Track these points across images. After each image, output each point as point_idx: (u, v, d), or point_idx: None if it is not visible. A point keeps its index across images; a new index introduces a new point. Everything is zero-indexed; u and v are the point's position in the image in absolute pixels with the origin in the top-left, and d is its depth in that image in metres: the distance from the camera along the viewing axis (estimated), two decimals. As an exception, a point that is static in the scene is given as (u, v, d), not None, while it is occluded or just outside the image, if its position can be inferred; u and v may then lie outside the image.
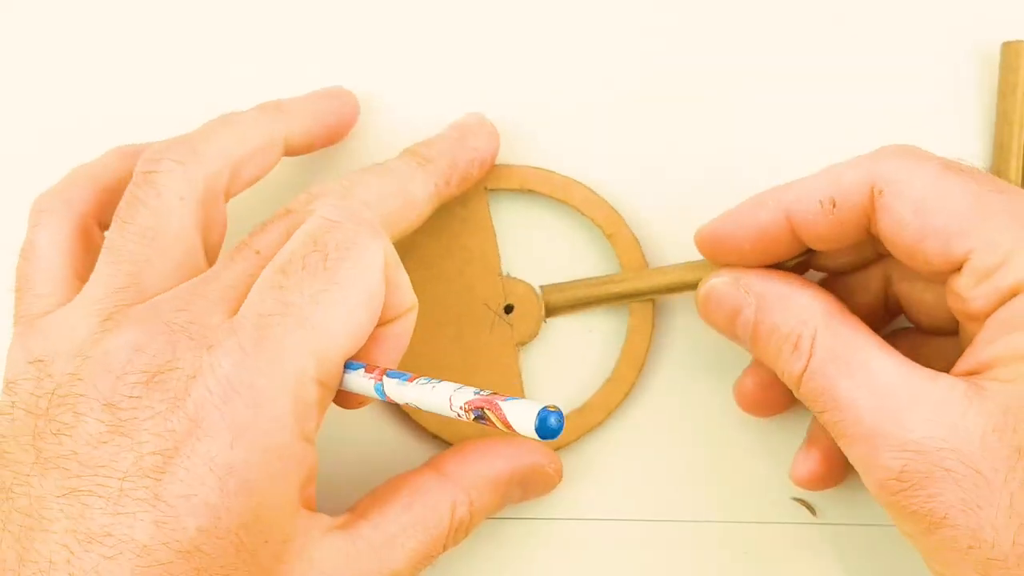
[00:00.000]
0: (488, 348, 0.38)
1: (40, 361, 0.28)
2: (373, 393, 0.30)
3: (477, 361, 0.38)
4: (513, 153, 0.40)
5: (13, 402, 0.27)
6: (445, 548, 0.32)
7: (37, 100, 0.41)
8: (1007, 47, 0.40)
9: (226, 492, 0.25)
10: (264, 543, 0.26)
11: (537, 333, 0.39)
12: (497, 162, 0.39)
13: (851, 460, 0.30)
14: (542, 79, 0.41)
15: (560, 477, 0.37)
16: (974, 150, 0.40)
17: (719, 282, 0.33)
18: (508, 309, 0.39)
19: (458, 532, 0.33)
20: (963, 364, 0.29)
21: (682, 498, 0.39)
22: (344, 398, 0.31)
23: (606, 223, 0.39)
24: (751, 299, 0.32)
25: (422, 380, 0.29)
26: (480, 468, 0.34)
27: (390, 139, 0.40)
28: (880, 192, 0.29)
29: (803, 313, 0.31)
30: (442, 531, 0.32)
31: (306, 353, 0.28)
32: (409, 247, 0.38)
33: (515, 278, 0.39)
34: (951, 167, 0.29)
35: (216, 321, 0.28)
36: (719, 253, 0.34)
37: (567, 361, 0.39)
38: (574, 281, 0.39)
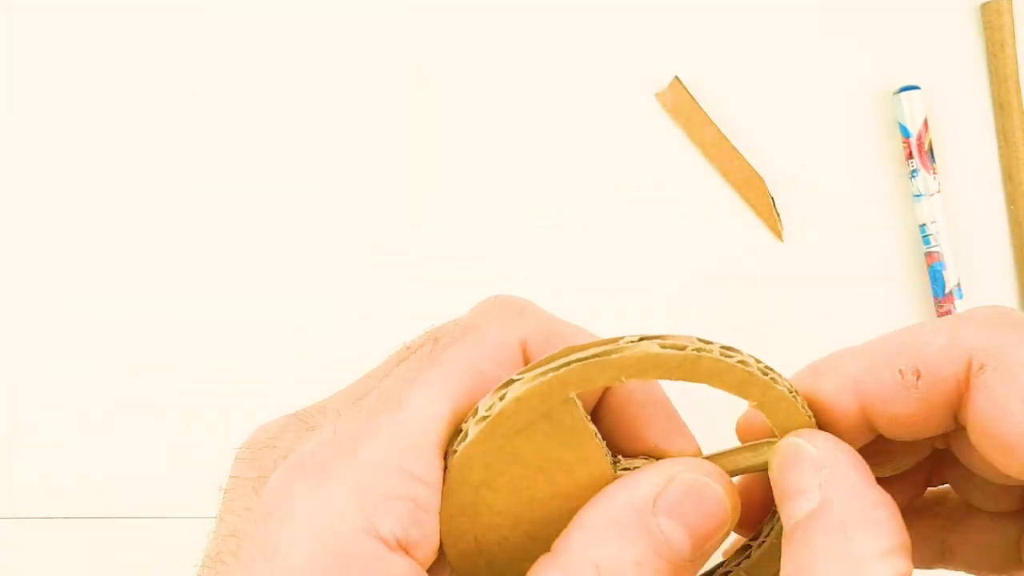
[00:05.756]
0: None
1: None
2: None
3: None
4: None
5: None
6: None
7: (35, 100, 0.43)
8: (987, 7, 0.40)
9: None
10: None
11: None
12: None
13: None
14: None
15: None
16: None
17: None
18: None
19: None
20: None
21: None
22: None
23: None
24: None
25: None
26: None
27: (402, 135, 0.43)
28: (981, 367, 0.22)
29: None
30: None
31: (386, 438, 0.23)
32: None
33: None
34: None
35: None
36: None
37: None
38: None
